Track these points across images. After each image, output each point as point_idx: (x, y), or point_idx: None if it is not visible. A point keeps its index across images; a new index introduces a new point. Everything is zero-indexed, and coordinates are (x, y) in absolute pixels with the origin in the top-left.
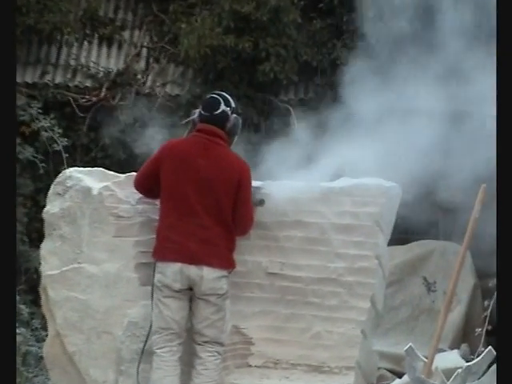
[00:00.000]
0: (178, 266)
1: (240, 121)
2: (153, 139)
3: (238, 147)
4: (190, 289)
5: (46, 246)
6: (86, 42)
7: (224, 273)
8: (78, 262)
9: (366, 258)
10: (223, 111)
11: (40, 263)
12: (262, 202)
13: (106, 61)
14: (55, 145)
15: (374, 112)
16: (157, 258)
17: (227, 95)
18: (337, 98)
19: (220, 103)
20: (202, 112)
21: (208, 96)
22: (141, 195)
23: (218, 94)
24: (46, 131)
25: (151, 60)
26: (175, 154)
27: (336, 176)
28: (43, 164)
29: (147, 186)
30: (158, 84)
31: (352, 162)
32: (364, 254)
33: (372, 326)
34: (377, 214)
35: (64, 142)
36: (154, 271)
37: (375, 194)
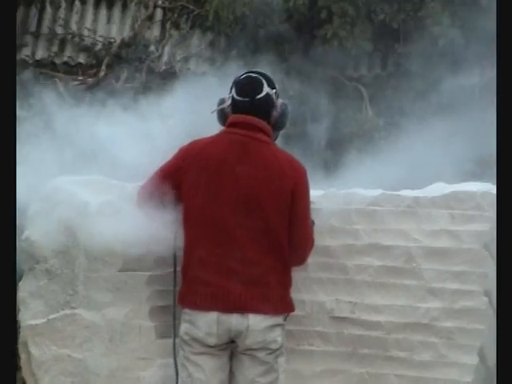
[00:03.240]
0: (214, 315)
1: (288, 109)
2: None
3: (289, 144)
4: (232, 341)
5: (25, 286)
6: (77, 1)
7: (278, 320)
8: (72, 307)
9: (471, 295)
10: (267, 95)
11: (18, 309)
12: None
13: (106, 27)
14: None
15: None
16: (185, 307)
17: (267, 74)
18: (427, 73)
19: (263, 84)
20: (237, 97)
21: (243, 75)
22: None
23: (257, 72)
24: None
25: (168, 25)
26: (203, 160)
27: (426, 181)
28: None
29: (158, 205)
30: (178, 58)
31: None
32: (468, 290)
33: None
34: (486, 233)
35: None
36: (180, 318)
37: (483, 206)
